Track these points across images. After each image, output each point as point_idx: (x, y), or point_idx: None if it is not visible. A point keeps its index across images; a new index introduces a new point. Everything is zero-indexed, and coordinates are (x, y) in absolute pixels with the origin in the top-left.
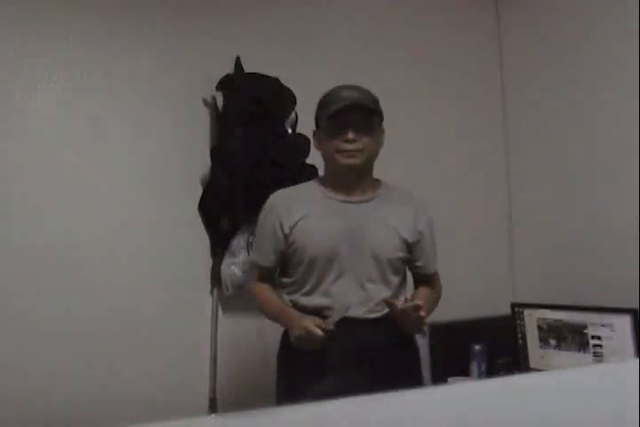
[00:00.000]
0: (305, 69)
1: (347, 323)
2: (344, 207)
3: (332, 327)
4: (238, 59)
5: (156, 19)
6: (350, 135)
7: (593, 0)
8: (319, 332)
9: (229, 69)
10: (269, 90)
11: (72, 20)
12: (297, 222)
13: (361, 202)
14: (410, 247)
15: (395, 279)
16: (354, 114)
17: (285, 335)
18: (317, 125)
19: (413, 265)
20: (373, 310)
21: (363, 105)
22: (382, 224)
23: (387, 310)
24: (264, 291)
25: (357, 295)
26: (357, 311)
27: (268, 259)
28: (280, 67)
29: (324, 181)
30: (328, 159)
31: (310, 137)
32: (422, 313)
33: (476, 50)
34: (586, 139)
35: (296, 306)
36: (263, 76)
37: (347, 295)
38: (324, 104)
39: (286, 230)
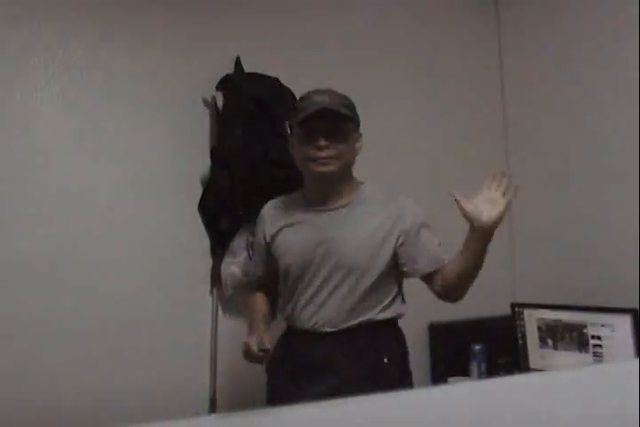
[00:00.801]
0: (305, 69)
1: (309, 336)
2: (317, 216)
3: (267, 347)
4: (238, 59)
5: (156, 19)
6: (322, 142)
7: (593, 0)
8: (254, 349)
9: (229, 69)
10: (269, 90)
11: (72, 20)
12: (276, 233)
13: (335, 209)
14: (394, 250)
15: (370, 287)
16: (325, 120)
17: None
18: (292, 131)
19: (401, 270)
20: (337, 323)
21: (331, 111)
22: (354, 231)
23: (353, 322)
24: (251, 299)
25: (323, 308)
26: (321, 324)
27: (257, 268)
28: (280, 67)
29: (305, 190)
30: (302, 167)
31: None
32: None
33: (476, 50)
34: (586, 139)
35: (284, 315)
36: (263, 76)
37: (309, 307)
38: (296, 110)
39: (268, 240)
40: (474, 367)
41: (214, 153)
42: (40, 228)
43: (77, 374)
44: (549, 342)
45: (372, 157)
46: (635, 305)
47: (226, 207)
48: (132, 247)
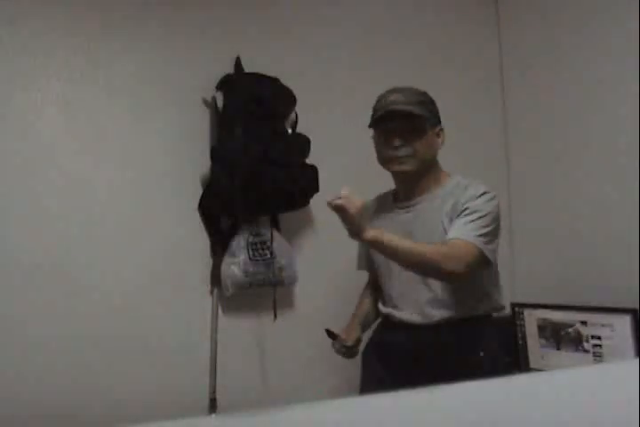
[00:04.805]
0: (305, 69)
1: (402, 329)
2: (399, 214)
3: (349, 344)
4: (238, 59)
5: (156, 19)
6: (396, 142)
7: (593, 0)
8: (336, 346)
9: (229, 69)
10: (269, 90)
11: (72, 19)
12: None
13: (413, 205)
14: None
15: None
16: (398, 120)
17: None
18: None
19: None
20: (424, 315)
21: (401, 111)
22: (427, 225)
23: (438, 318)
24: (361, 295)
25: (411, 303)
26: (410, 318)
27: (360, 264)
28: (280, 67)
29: (394, 189)
30: (383, 167)
31: (314, 136)
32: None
33: (476, 50)
34: (586, 138)
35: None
36: (263, 76)
37: (401, 303)
38: (373, 110)
39: None
40: None
41: (214, 153)
42: (40, 228)
43: (77, 373)
44: (549, 342)
45: (371, 157)
46: (635, 305)
47: (226, 207)
48: (131, 247)
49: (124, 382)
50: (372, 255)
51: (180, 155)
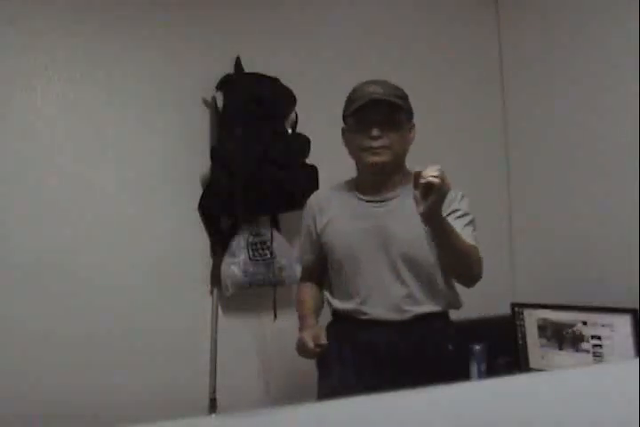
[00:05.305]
0: (305, 69)
1: (373, 325)
2: (369, 207)
3: (324, 342)
4: (238, 59)
5: (156, 19)
6: (374, 132)
7: (593, 0)
8: (310, 345)
9: (229, 69)
10: (269, 90)
11: (72, 19)
12: (326, 224)
13: (386, 200)
14: None
15: (427, 276)
16: (378, 110)
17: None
18: (345, 123)
19: None
20: (398, 311)
21: (385, 101)
22: (407, 222)
23: (412, 314)
24: (302, 290)
25: (383, 299)
26: (383, 314)
27: (305, 258)
28: (280, 67)
29: (356, 181)
30: (354, 157)
31: (314, 136)
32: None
33: (476, 50)
34: (586, 139)
35: (331, 308)
36: (263, 76)
37: (371, 299)
38: (349, 100)
39: (319, 231)
40: (474, 367)
41: (214, 153)
42: (40, 228)
43: (78, 373)
44: (549, 342)
45: None
46: (635, 305)
47: (226, 207)
48: (131, 247)
49: (124, 382)
50: (332, 248)
51: (179, 155)
